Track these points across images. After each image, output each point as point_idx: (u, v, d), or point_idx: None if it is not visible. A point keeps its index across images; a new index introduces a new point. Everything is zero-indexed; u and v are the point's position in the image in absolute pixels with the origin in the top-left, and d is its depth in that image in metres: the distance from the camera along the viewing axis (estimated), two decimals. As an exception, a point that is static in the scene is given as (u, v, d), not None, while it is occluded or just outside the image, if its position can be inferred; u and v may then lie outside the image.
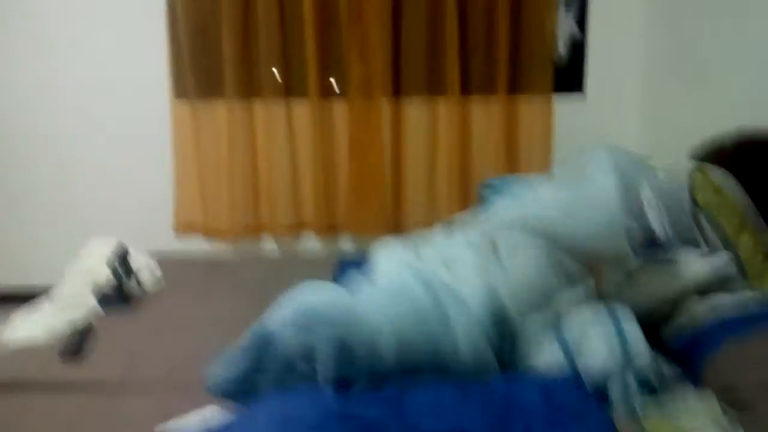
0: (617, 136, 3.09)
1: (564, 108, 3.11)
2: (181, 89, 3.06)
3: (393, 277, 1.65)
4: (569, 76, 3.12)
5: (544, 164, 3.13)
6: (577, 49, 3.10)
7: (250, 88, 3.05)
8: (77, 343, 1.84)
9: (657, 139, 2.93)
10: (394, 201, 3.13)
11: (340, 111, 3.08)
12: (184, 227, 3.19)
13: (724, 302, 1.62)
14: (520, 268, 1.57)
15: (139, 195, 3.18)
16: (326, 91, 3.07)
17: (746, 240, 1.83)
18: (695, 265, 1.75)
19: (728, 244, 1.84)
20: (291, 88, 3.06)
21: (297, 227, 3.20)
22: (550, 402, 1.31)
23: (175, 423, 1.39)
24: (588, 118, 3.13)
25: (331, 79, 3.08)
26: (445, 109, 3.03)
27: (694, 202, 1.90)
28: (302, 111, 3.07)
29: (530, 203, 1.73)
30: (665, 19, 2.84)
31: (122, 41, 3.06)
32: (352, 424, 1.22)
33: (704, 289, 1.70)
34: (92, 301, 2.12)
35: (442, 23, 2.95)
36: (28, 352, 1.83)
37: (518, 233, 1.62)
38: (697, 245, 1.88)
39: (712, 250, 1.83)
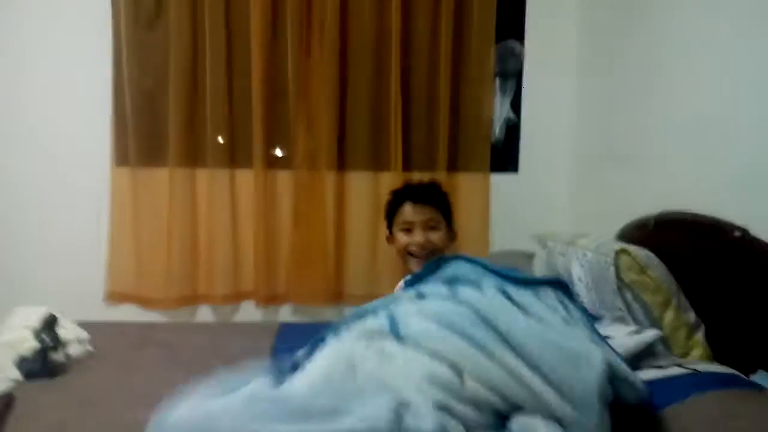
0: (549, 213, 3.24)
1: (500, 185, 3.25)
2: (122, 156, 3.03)
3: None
4: (505, 155, 3.28)
5: (481, 236, 3.24)
6: (512, 130, 3.28)
7: (193, 156, 3.05)
8: (-5, 419, 1.74)
9: (587, 216, 3.08)
10: (336, 271, 3.13)
11: (284, 182, 3.12)
12: (116, 296, 3.10)
13: (654, 376, 1.68)
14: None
15: (71, 262, 3.07)
16: (271, 162, 3.11)
17: (670, 317, 1.92)
18: (625, 340, 1.80)
19: (654, 322, 1.94)
20: (236, 158, 3.08)
21: (236, 297, 3.15)
22: None
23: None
24: (522, 195, 3.28)
25: (277, 151, 3.12)
26: (388, 182, 3.11)
27: (621, 280, 1.98)
28: (246, 181, 3.08)
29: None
30: (595, 106, 3.04)
31: (64, 104, 3.03)
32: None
33: (633, 364, 1.76)
34: (15, 374, 2.02)
35: (387, 103, 3.08)
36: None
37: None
38: (624, 323, 1.96)
39: (639, 327, 1.91)
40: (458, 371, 1.29)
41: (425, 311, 1.44)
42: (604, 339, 1.52)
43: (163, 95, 3.01)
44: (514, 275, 1.58)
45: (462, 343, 1.32)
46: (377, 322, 1.45)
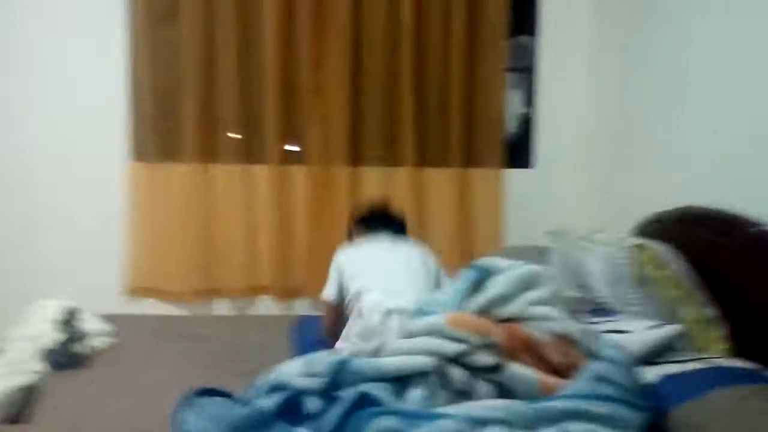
0: (565, 208, 3.23)
1: (514, 180, 3.25)
2: (139, 151, 3.06)
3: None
4: (519, 151, 3.28)
5: (494, 233, 3.24)
6: (527, 126, 3.27)
7: (209, 152, 3.08)
8: (19, 408, 1.77)
9: (602, 211, 3.07)
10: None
11: (299, 177, 3.14)
12: (135, 290, 3.13)
13: (674, 371, 1.68)
14: None
15: (91, 256, 3.11)
16: (286, 158, 3.13)
17: (689, 312, 1.92)
18: (644, 335, 1.80)
19: (673, 317, 1.93)
20: (251, 154, 3.11)
21: (253, 291, 3.18)
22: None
23: None
24: (536, 190, 3.28)
25: (292, 146, 3.14)
26: (401, 178, 3.12)
27: (639, 275, 1.98)
28: (261, 176, 3.10)
29: None
30: (610, 97, 3.03)
31: (82, 101, 3.05)
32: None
33: (652, 359, 1.76)
34: (38, 367, 2.05)
35: (400, 98, 3.09)
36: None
37: None
38: (642, 318, 1.96)
39: (659, 321, 1.91)
40: None
41: None
42: None
43: (179, 92, 3.03)
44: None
45: None
46: None
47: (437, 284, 2.18)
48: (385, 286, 2.10)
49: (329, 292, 2.29)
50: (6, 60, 3.00)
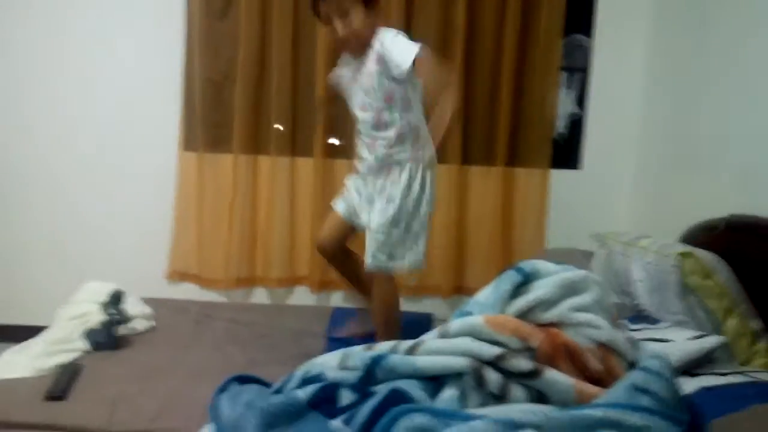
0: (611, 212, 3.17)
1: (561, 182, 3.20)
2: (190, 141, 3.13)
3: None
4: (567, 151, 3.22)
5: (537, 233, 3.20)
6: (576, 126, 3.21)
7: (257, 144, 3.13)
8: (63, 386, 1.83)
9: (649, 217, 3.00)
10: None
11: (341, 171, 3.15)
12: (177, 275, 3.21)
13: (714, 383, 1.63)
14: None
15: (137, 241, 3.20)
16: (330, 152, 3.15)
17: (734, 324, 1.86)
18: (686, 344, 1.76)
19: (716, 328, 1.88)
20: (296, 147, 3.14)
21: (291, 281, 3.22)
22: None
23: None
24: (583, 192, 3.22)
25: (333, 140, 3.15)
26: (445, 175, 3.10)
27: (684, 284, 1.93)
28: (306, 168, 3.14)
29: None
30: (663, 101, 2.95)
31: (137, 91, 3.14)
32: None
33: (693, 370, 1.71)
34: (82, 346, 2.12)
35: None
36: (12, 392, 1.82)
37: None
38: (685, 327, 1.91)
39: (702, 331, 1.85)
40: None
41: None
42: None
43: (231, 84, 3.08)
44: None
45: None
46: None
47: None
48: None
49: None
50: (64, 49, 3.11)
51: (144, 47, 3.12)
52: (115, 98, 3.14)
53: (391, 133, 2.16)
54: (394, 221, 2.16)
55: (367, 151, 2.24)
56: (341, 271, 2.47)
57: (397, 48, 2.06)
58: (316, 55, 3.05)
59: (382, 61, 2.09)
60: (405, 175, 2.17)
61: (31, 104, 3.13)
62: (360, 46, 2.14)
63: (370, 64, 2.12)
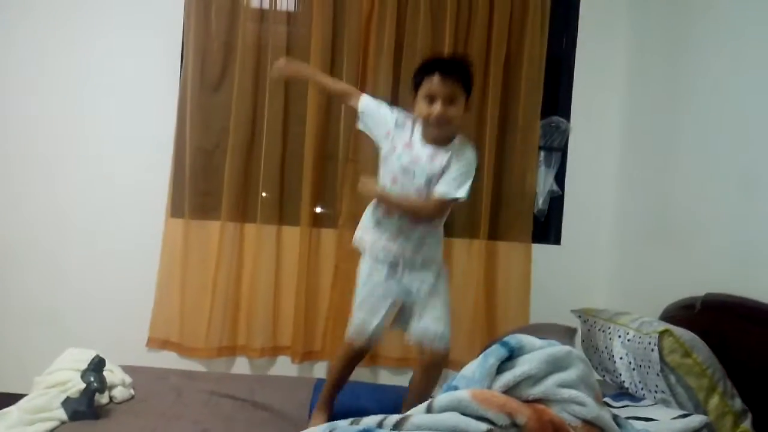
0: (590, 287, 3.23)
1: (542, 256, 3.27)
2: (178, 208, 3.17)
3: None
4: (547, 227, 3.33)
5: (519, 307, 3.24)
6: (556, 203, 3.32)
7: (244, 212, 3.18)
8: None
9: (628, 293, 3.05)
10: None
11: (327, 240, 3.19)
12: (158, 343, 3.17)
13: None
14: None
15: (119, 308, 3.17)
16: (316, 221, 3.20)
17: (716, 403, 1.88)
18: (671, 424, 1.78)
19: (698, 406, 1.90)
20: (284, 216, 3.19)
21: (273, 351, 3.19)
22: None
23: None
24: (563, 267, 3.29)
25: (318, 209, 3.21)
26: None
27: (664, 362, 1.96)
28: (291, 237, 3.17)
29: None
30: (638, 180, 3.07)
31: (128, 157, 3.19)
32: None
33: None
34: (61, 415, 2.07)
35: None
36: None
37: None
38: (668, 405, 1.93)
39: (684, 410, 1.87)
40: None
41: None
42: None
43: (221, 153, 3.16)
44: None
45: None
46: None
47: None
48: None
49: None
50: (57, 113, 3.17)
51: (137, 117, 3.19)
52: (105, 164, 3.18)
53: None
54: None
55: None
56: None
57: (460, 178, 2.20)
58: (305, 127, 3.14)
59: (444, 167, 2.20)
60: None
61: (24, 175, 3.17)
62: (445, 133, 2.23)
63: (443, 158, 2.21)
